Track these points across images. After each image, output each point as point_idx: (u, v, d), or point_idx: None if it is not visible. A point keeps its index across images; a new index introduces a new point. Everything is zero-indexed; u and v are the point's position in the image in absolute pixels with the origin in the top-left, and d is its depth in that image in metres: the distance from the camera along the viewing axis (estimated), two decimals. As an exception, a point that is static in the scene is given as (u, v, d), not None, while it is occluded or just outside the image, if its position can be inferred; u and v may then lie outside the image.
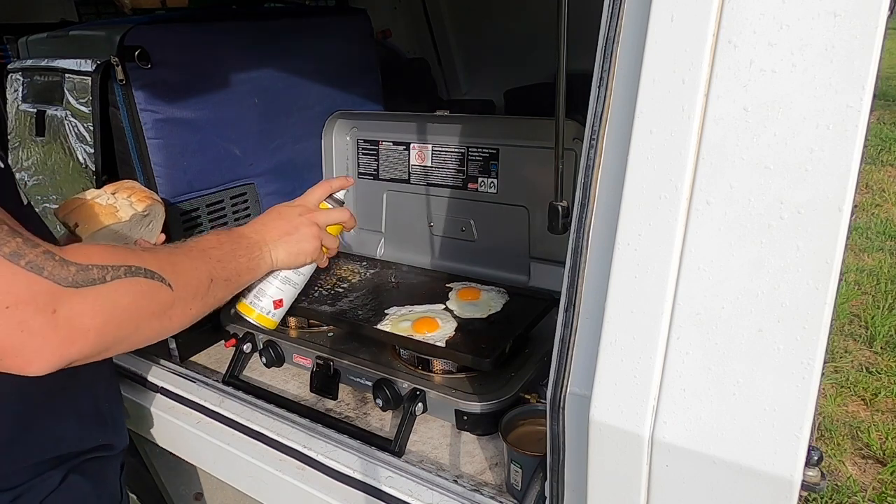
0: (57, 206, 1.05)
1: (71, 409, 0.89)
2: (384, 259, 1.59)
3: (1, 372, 0.70)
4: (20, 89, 1.46)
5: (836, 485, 2.21)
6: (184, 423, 1.21)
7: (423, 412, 1.08)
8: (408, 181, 1.54)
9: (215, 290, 0.82)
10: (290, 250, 0.96)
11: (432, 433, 1.08)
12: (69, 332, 0.63)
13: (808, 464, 0.58)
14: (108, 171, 1.29)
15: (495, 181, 1.41)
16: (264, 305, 1.02)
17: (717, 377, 0.60)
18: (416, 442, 1.05)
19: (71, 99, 1.29)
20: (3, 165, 0.80)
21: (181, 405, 1.24)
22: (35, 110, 1.40)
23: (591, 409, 0.68)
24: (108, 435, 0.95)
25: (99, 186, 1.25)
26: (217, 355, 1.36)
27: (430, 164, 1.50)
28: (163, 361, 1.32)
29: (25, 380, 0.76)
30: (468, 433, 1.06)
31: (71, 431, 0.89)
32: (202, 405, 1.21)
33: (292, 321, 1.31)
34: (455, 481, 0.95)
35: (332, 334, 1.28)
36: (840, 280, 0.56)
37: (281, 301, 1.02)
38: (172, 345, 1.32)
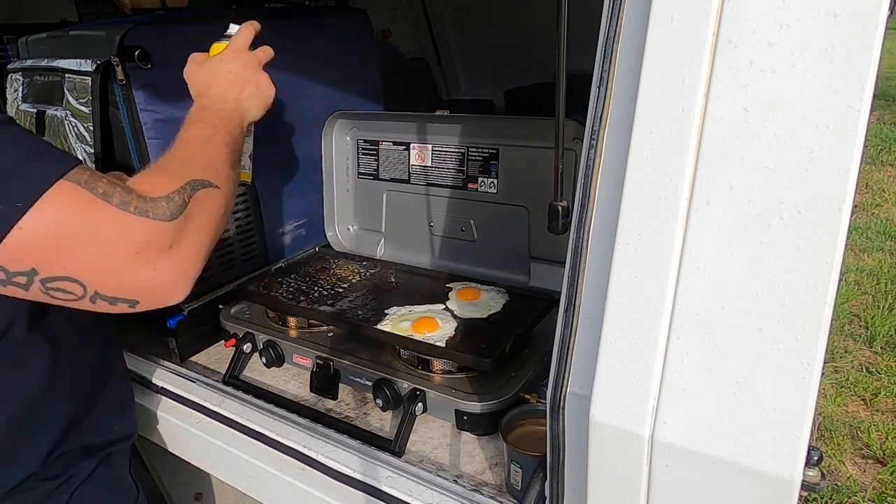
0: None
1: (109, 398, 0.94)
2: (384, 259, 1.59)
3: (62, 368, 0.83)
4: (20, 89, 1.46)
5: (836, 485, 2.21)
6: (184, 423, 1.21)
7: (423, 412, 1.08)
8: (408, 181, 1.54)
9: (234, 172, 0.86)
10: (258, 104, 0.98)
11: (432, 433, 1.08)
12: (186, 258, 0.70)
13: (808, 464, 0.58)
14: (108, 171, 1.29)
15: (495, 181, 1.41)
16: (245, 163, 1.02)
17: (717, 377, 0.60)
18: (416, 442, 1.05)
19: (71, 99, 1.29)
20: None
21: (181, 405, 1.24)
22: (35, 110, 1.40)
23: (591, 409, 0.68)
24: (128, 424, 0.99)
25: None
26: (217, 355, 1.36)
27: (430, 164, 1.50)
28: (163, 362, 1.32)
29: (82, 372, 0.84)
30: (468, 433, 1.06)
31: (108, 421, 0.93)
32: (202, 405, 1.21)
33: (292, 321, 1.31)
34: (455, 481, 0.95)
35: (332, 334, 1.28)
36: (840, 280, 0.56)
37: (252, 153, 1.03)
38: (172, 345, 1.32)
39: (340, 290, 1.38)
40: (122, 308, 0.68)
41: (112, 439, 0.94)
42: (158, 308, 0.70)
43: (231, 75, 0.95)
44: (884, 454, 2.33)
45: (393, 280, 1.44)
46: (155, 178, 0.72)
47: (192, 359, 1.35)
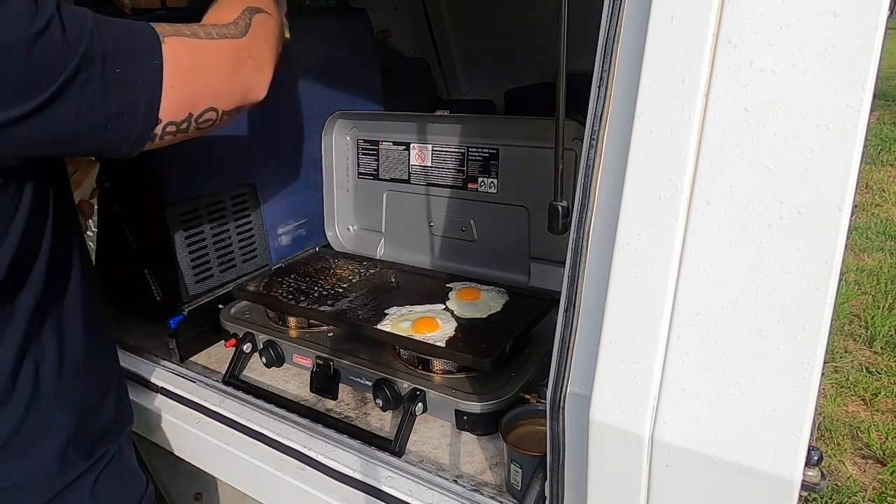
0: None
1: (118, 383, 0.99)
2: (384, 259, 1.59)
3: (108, 348, 0.97)
4: (20, 89, 1.46)
5: (836, 485, 2.21)
6: (184, 424, 1.21)
7: (423, 412, 1.08)
8: (408, 181, 1.54)
9: (277, 9, 1.00)
10: None
11: (432, 433, 1.08)
12: (264, 63, 0.88)
13: (808, 464, 0.58)
14: (108, 171, 1.29)
15: (495, 181, 1.41)
16: (284, 22, 1.08)
17: (717, 377, 0.60)
18: (416, 442, 1.05)
19: (71, 99, 1.29)
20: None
21: (181, 405, 1.24)
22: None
23: (591, 409, 0.68)
24: (129, 406, 1.02)
25: (99, 187, 1.25)
26: (217, 355, 1.36)
27: (430, 164, 1.50)
28: (163, 362, 1.32)
29: (93, 357, 0.91)
30: (468, 433, 1.06)
31: (118, 405, 0.97)
32: (202, 405, 1.21)
33: (292, 321, 1.31)
34: (455, 481, 0.95)
35: (332, 334, 1.28)
36: (840, 280, 0.56)
37: (287, 11, 1.11)
38: (172, 345, 1.32)
39: (340, 290, 1.38)
40: (232, 118, 0.87)
41: (122, 423, 0.97)
42: (257, 104, 0.89)
43: None
44: (884, 454, 2.33)
45: (393, 280, 1.44)
46: (220, 12, 0.87)
47: (192, 359, 1.35)
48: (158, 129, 0.75)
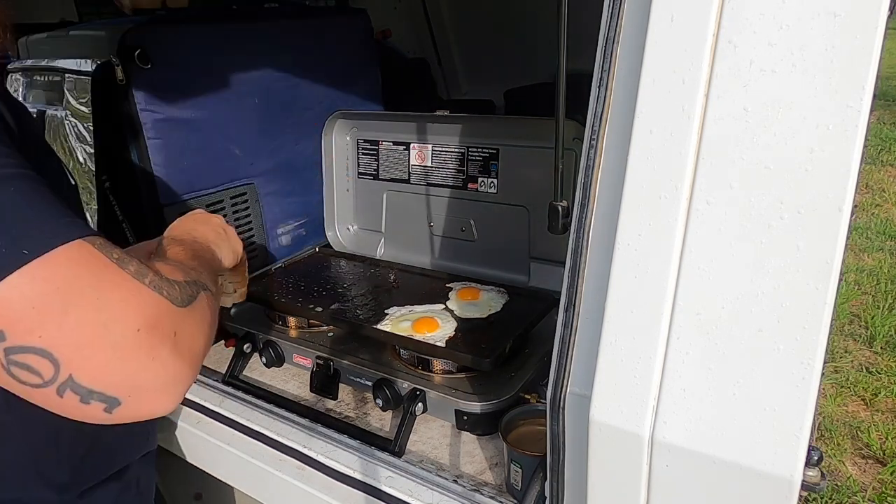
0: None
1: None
2: (384, 259, 1.59)
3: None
4: (20, 89, 1.46)
5: (836, 485, 2.21)
6: (184, 423, 1.21)
7: (423, 412, 1.08)
8: (408, 181, 1.54)
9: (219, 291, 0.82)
10: (228, 249, 0.95)
11: (432, 433, 1.08)
12: (189, 357, 0.59)
13: (808, 464, 0.58)
14: (108, 171, 1.29)
15: (495, 181, 1.41)
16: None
17: (717, 377, 0.60)
18: (416, 442, 1.05)
19: (71, 99, 1.29)
20: (73, 182, 0.81)
21: (181, 405, 1.24)
22: (35, 110, 1.40)
23: (591, 409, 0.68)
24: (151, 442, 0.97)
25: (99, 187, 1.25)
26: (217, 355, 1.36)
27: (430, 164, 1.50)
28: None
29: None
30: (468, 433, 1.06)
31: (129, 443, 0.90)
32: (202, 405, 1.21)
33: (292, 321, 1.31)
34: (455, 481, 0.95)
35: (332, 334, 1.28)
36: (840, 280, 0.56)
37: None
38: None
39: (340, 290, 1.38)
40: (92, 411, 0.54)
41: (132, 461, 0.92)
42: (136, 419, 0.57)
43: (203, 221, 0.94)
44: (884, 454, 2.33)
45: (393, 280, 1.44)
46: (169, 266, 0.66)
47: (192, 359, 1.35)
48: None
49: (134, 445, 0.92)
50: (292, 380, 1.26)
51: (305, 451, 1.05)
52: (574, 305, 0.70)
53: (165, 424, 1.25)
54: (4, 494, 0.74)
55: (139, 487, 0.94)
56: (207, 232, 0.92)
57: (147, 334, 0.54)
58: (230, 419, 1.16)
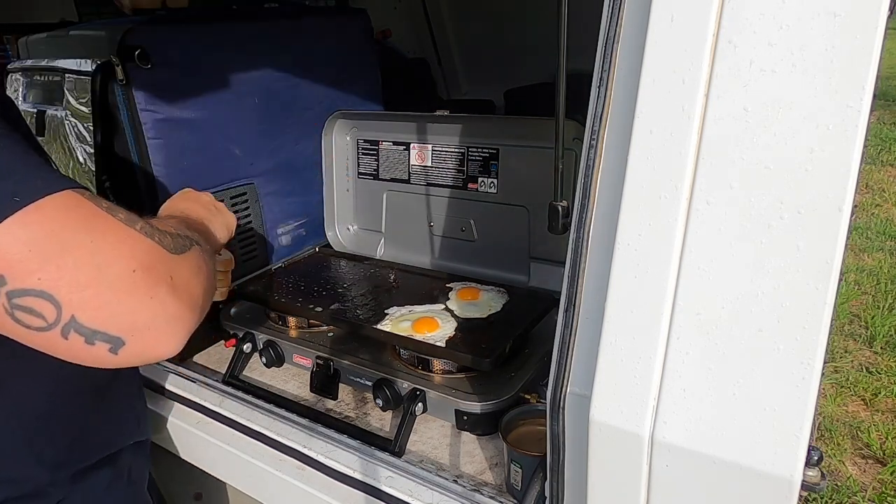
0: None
1: (122, 406, 0.94)
2: (384, 259, 1.59)
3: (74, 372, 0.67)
4: (20, 89, 1.46)
5: (836, 485, 2.21)
6: (184, 423, 1.21)
7: (423, 412, 1.08)
8: (408, 181, 1.54)
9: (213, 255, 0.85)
10: (221, 224, 0.97)
11: (432, 433, 1.08)
12: (188, 300, 0.60)
13: (808, 464, 0.58)
14: (108, 171, 1.29)
15: (495, 181, 1.41)
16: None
17: (717, 377, 0.60)
18: (416, 442, 1.05)
19: (71, 99, 1.29)
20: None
21: (181, 405, 1.24)
22: (35, 110, 1.40)
23: (591, 409, 0.68)
24: (143, 430, 0.99)
25: (99, 187, 1.25)
26: (217, 355, 1.36)
27: (430, 164, 1.50)
28: (163, 362, 1.32)
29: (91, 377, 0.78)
30: (468, 433, 1.06)
31: (121, 428, 0.94)
32: (202, 405, 1.21)
33: (292, 321, 1.31)
34: (455, 481, 0.95)
35: (332, 334, 1.28)
36: (840, 280, 0.56)
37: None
38: (172, 345, 1.32)
39: (340, 290, 1.38)
40: (98, 352, 0.56)
41: (124, 447, 0.94)
42: (143, 363, 0.60)
43: (194, 199, 0.98)
44: (884, 454, 2.33)
45: (393, 280, 1.44)
46: (159, 222, 0.67)
47: (192, 359, 1.35)
48: None
49: (125, 429, 0.93)
50: (292, 380, 1.26)
51: (305, 451, 1.05)
52: (574, 305, 0.70)
53: (165, 424, 1.25)
54: (11, 472, 0.76)
55: (131, 476, 0.95)
56: (198, 209, 0.94)
57: (143, 275, 0.56)
58: (230, 419, 1.16)
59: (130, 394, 0.99)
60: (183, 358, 1.33)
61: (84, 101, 1.26)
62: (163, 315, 0.57)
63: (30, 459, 0.79)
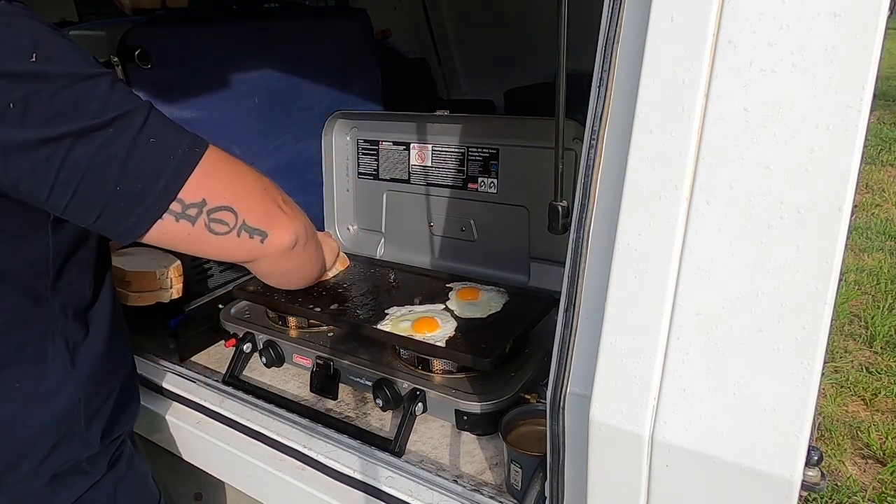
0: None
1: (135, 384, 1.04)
2: (384, 259, 1.59)
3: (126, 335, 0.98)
4: (20, 89, 1.46)
5: (836, 485, 2.21)
6: (184, 423, 1.21)
7: (423, 412, 1.08)
8: (408, 181, 1.54)
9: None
10: (329, 248, 1.27)
11: (432, 433, 1.08)
12: (298, 218, 0.87)
13: (808, 464, 0.58)
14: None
15: (495, 181, 1.41)
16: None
17: (717, 377, 0.60)
18: (416, 442, 1.05)
19: (71, 99, 1.29)
20: None
21: (181, 405, 1.24)
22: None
23: (591, 409, 0.68)
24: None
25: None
26: (217, 355, 1.36)
27: (430, 164, 1.50)
28: (162, 361, 1.32)
29: (126, 358, 0.98)
30: (468, 433, 1.06)
31: (136, 407, 1.02)
32: (202, 405, 1.21)
33: (292, 321, 1.31)
34: (455, 481, 0.95)
35: (332, 334, 1.28)
36: (840, 280, 0.56)
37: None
38: (172, 345, 1.32)
39: (340, 289, 1.38)
40: (254, 244, 0.80)
41: (132, 430, 1.00)
42: (276, 252, 0.84)
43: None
44: (884, 454, 2.33)
45: (393, 280, 1.44)
46: None
47: (192, 359, 1.35)
48: (168, 209, 0.71)
49: (134, 407, 1.00)
50: (292, 380, 1.26)
51: (305, 451, 1.05)
52: (574, 305, 0.70)
53: (164, 424, 1.25)
54: (68, 440, 0.85)
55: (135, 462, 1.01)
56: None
57: (268, 191, 0.83)
58: (230, 419, 1.16)
59: (135, 376, 1.04)
60: (183, 358, 1.33)
61: (84, 101, 1.26)
62: (286, 218, 0.84)
63: (84, 424, 0.86)
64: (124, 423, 0.95)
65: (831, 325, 0.56)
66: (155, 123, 0.69)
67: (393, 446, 1.01)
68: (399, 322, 1.20)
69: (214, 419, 1.19)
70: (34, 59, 0.61)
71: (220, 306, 1.38)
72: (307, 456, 1.05)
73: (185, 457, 1.26)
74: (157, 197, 0.69)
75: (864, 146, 0.54)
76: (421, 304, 1.28)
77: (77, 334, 0.84)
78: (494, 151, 1.40)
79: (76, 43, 0.67)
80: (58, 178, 0.64)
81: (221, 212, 0.75)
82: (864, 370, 2.81)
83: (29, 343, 0.79)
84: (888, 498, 2.15)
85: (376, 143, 1.57)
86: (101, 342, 0.87)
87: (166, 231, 0.72)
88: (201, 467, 1.25)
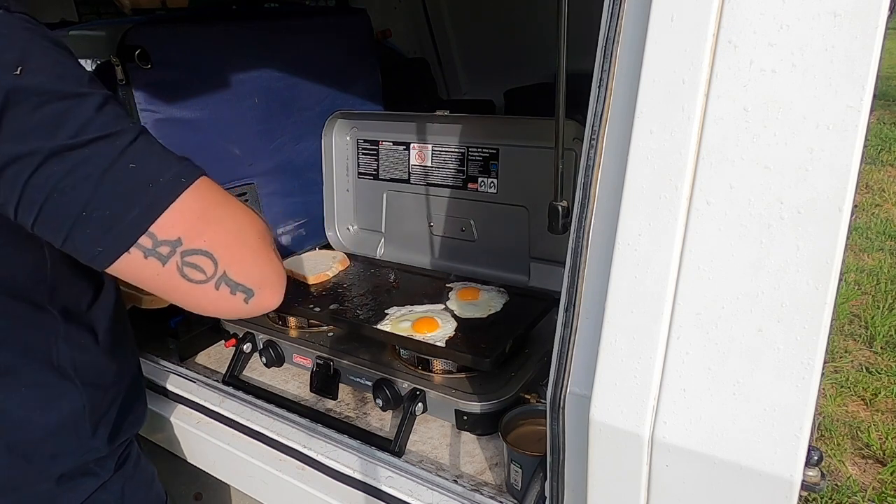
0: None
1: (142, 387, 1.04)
2: (384, 259, 1.59)
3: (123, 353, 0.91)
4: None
5: (836, 485, 2.21)
6: (184, 423, 1.21)
7: (423, 412, 1.08)
8: (408, 181, 1.54)
9: None
10: None
11: (432, 433, 1.08)
12: (281, 264, 0.74)
13: (808, 464, 0.58)
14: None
15: (495, 181, 1.41)
16: None
17: (717, 377, 0.60)
18: (416, 442, 1.05)
19: (71, 99, 1.29)
20: None
21: (181, 405, 1.24)
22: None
23: (591, 409, 0.68)
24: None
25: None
26: (217, 355, 1.36)
27: (430, 164, 1.50)
28: (162, 361, 1.32)
29: (132, 362, 0.96)
30: (468, 433, 1.06)
31: (143, 411, 1.01)
32: (202, 405, 1.21)
33: (292, 321, 1.31)
34: (455, 481, 0.95)
35: (332, 334, 1.28)
36: (840, 280, 0.56)
37: None
38: (172, 345, 1.32)
39: (340, 289, 1.38)
40: (236, 301, 0.69)
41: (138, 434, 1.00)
42: (258, 312, 0.72)
43: None
44: (884, 454, 2.33)
45: (393, 280, 1.44)
46: None
47: (192, 359, 1.35)
48: (136, 242, 0.63)
49: (141, 410, 1.00)
50: (292, 380, 1.26)
51: (305, 451, 1.05)
52: (574, 305, 0.70)
53: (166, 424, 1.25)
54: (74, 444, 0.84)
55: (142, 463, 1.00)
56: None
57: (263, 240, 0.71)
58: (230, 419, 1.16)
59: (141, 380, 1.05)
60: (183, 358, 1.33)
61: (84, 101, 1.26)
62: (277, 273, 0.71)
63: (90, 429, 0.86)
64: (131, 426, 0.95)
65: (831, 325, 0.56)
66: (141, 148, 0.64)
67: (393, 446, 1.01)
68: (399, 322, 1.20)
69: (214, 419, 1.19)
70: (18, 73, 0.58)
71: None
72: (307, 456, 1.05)
73: (185, 457, 1.26)
74: (126, 227, 0.62)
75: (864, 146, 0.54)
76: (421, 304, 1.28)
77: (79, 339, 0.83)
78: (494, 151, 1.40)
79: (75, 60, 0.64)
80: (23, 195, 0.60)
81: (197, 256, 0.65)
82: (864, 370, 2.81)
83: (30, 349, 0.79)
84: (888, 498, 2.15)
85: (376, 143, 1.57)
86: (104, 347, 0.87)
87: (133, 267, 0.64)
88: (201, 467, 1.25)
